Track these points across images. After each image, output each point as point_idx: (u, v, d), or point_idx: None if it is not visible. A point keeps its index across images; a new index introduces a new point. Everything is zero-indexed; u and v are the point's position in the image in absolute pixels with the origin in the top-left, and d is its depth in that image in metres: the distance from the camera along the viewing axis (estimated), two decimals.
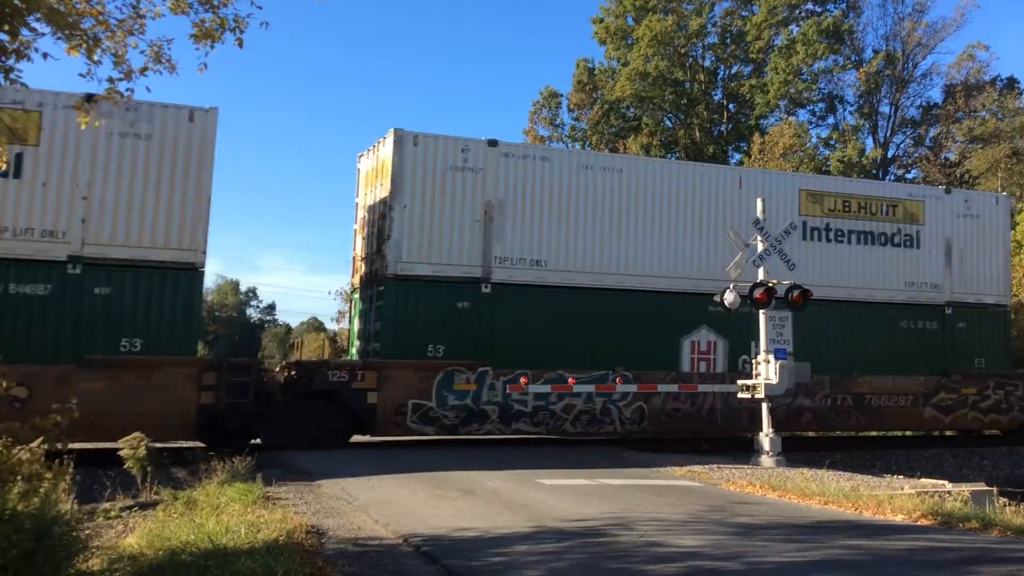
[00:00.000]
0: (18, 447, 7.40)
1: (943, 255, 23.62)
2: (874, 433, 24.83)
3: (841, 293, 22.33)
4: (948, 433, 24.50)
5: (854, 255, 22.75)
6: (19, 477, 7.24)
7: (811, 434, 23.13)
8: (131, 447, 13.58)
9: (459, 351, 18.99)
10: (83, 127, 8.76)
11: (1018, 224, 34.90)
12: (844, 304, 22.29)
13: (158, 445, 14.51)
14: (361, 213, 21.92)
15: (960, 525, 10.43)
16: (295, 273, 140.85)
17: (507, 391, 18.95)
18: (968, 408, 23.22)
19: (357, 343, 21.57)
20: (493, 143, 19.57)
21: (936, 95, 50.27)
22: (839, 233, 22.69)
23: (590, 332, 19.98)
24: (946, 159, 46.91)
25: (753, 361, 17.60)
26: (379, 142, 20.83)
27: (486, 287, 19.32)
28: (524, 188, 19.87)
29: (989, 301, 24.02)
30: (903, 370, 22.62)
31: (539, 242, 19.84)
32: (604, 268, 20.36)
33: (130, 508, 11.14)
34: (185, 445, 16.47)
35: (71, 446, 8.66)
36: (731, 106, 50.06)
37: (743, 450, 17.77)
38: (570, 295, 19.91)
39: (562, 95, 49.69)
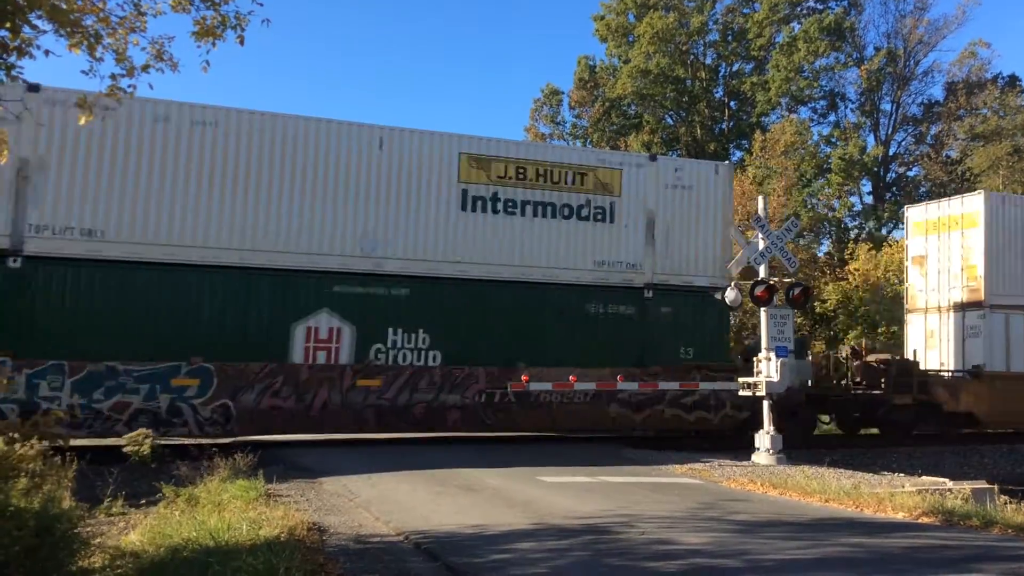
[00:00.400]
0: (20, 444, 7.41)
1: (643, 231, 20.51)
2: (874, 432, 24.78)
3: (508, 272, 19.34)
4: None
5: (528, 229, 19.64)
6: (22, 474, 7.25)
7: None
8: (134, 443, 13.60)
9: None
10: (82, 123, 8.74)
11: None
12: (512, 285, 19.37)
13: (161, 441, 14.53)
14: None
15: (961, 523, 10.43)
16: None
17: (509, 388, 18.90)
18: (665, 405, 20.04)
19: None
20: (35, 88, 15.77)
21: (937, 93, 50.40)
22: (510, 204, 19.52)
23: (163, 317, 16.76)
24: (947, 157, 46.89)
25: (755, 358, 17.58)
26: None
27: (15, 261, 15.94)
28: (76, 143, 16.39)
29: (702, 284, 20.85)
30: (589, 361, 19.39)
31: (95, 209, 16.47)
32: (186, 240, 16.99)
33: (132, 505, 11.15)
34: (189, 441, 16.48)
35: (73, 443, 8.66)
36: (732, 104, 50.05)
37: (744, 448, 17.77)
38: (136, 272, 16.61)
39: (563, 93, 49.74)
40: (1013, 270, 23.93)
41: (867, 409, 23.22)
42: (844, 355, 24.79)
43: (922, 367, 24.24)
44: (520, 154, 19.93)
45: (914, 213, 26.67)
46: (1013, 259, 24.09)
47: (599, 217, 20.26)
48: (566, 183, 20.10)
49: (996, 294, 23.65)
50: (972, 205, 24.49)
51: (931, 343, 25.26)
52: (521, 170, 19.72)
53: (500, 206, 19.50)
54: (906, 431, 23.08)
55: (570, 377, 18.71)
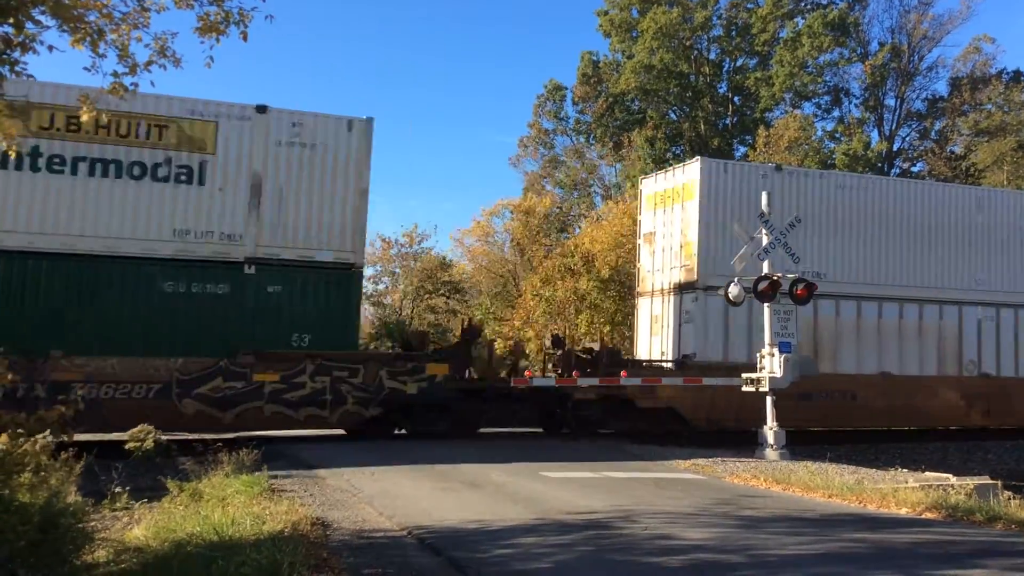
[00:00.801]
0: (24, 439, 7.43)
1: (246, 195, 17.63)
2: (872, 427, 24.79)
3: (25, 242, 16.32)
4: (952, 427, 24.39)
5: (82, 191, 16.74)
6: (27, 469, 7.27)
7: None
8: (138, 439, 13.62)
9: None
10: (84, 119, 8.73)
11: None
12: (58, 258, 16.47)
13: (166, 437, 14.54)
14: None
15: (965, 518, 10.43)
16: None
17: (512, 384, 18.91)
18: (265, 400, 17.17)
19: None
20: None
21: (942, 88, 50.12)
22: (57, 161, 16.56)
23: None
24: (952, 152, 46.79)
25: (758, 354, 17.56)
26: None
27: None
28: None
29: (326, 259, 18.08)
30: (161, 348, 16.70)
31: None
32: None
33: (136, 499, 11.17)
34: (193, 437, 16.50)
35: (77, 438, 8.67)
36: (736, 99, 49.94)
37: (747, 443, 17.77)
38: None
39: (566, 88, 49.67)
40: (732, 247, 19.88)
41: (550, 404, 20.14)
42: (547, 344, 22.82)
43: (646, 356, 22.47)
44: (69, 100, 15.83)
45: (647, 185, 24.10)
46: (731, 235, 20.45)
47: (184, 178, 17.37)
48: (138, 136, 17.10)
49: (711, 274, 20.83)
50: (691, 174, 21.88)
51: (655, 329, 22.71)
52: (73, 120, 16.30)
53: (47, 163, 16.53)
54: (591, 428, 19.95)
55: (574, 373, 18.74)
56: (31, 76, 8.19)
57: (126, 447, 13.85)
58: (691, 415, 20.17)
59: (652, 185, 23.72)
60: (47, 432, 7.70)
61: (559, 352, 21.21)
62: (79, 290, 16.56)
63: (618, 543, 8.61)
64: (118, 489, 10.79)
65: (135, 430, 13.76)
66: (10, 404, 15.72)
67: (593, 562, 7.88)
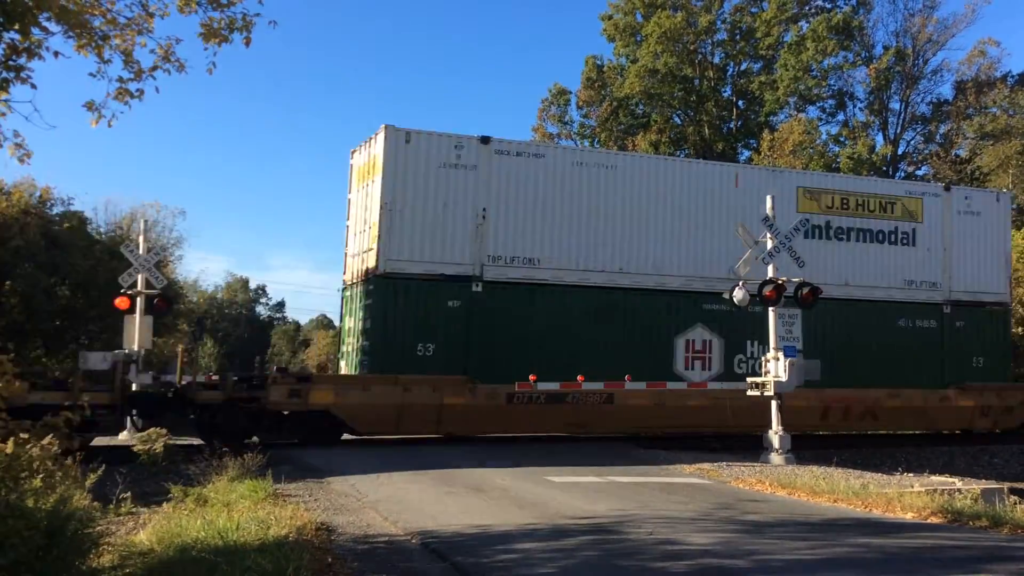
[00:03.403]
0: (31, 444, 7.45)
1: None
2: (883, 431, 24.75)
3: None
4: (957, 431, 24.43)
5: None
6: (37, 475, 7.28)
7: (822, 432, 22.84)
8: (144, 443, 13.65)
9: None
10: (94, 126, 8.76)
11: None
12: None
13: (172, 441, 14.58)
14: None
15: (970, 523, 10.40)
16: (303, 271, 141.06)
17: (516, 388, 18.93)
18: None
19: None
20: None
21: (946, 91, 49.99)
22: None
23: None
24: (957, 156, 46.69)
25: (763, 358, 17.55)
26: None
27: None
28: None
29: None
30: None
31: None
32: None
33: (142, 504, 11.18)
34: (198, 441, 16.52)
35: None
36: (740, 103, 49.94)
37: (753, 448, 17.74)
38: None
39: (571, 92, 49.72)
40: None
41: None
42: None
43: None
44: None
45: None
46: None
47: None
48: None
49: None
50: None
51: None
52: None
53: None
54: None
55: (579, 377, 18.77)
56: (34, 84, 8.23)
57: (133, 449, 13.89)
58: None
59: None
60: (52, 437, 7.72)
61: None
62: None
63: (623, 548, 8.60)
64: (124, 495, 10.81)
65: (143, 434, 13.80)
66: None
67: (598, 567, 7.86)
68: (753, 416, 18.94)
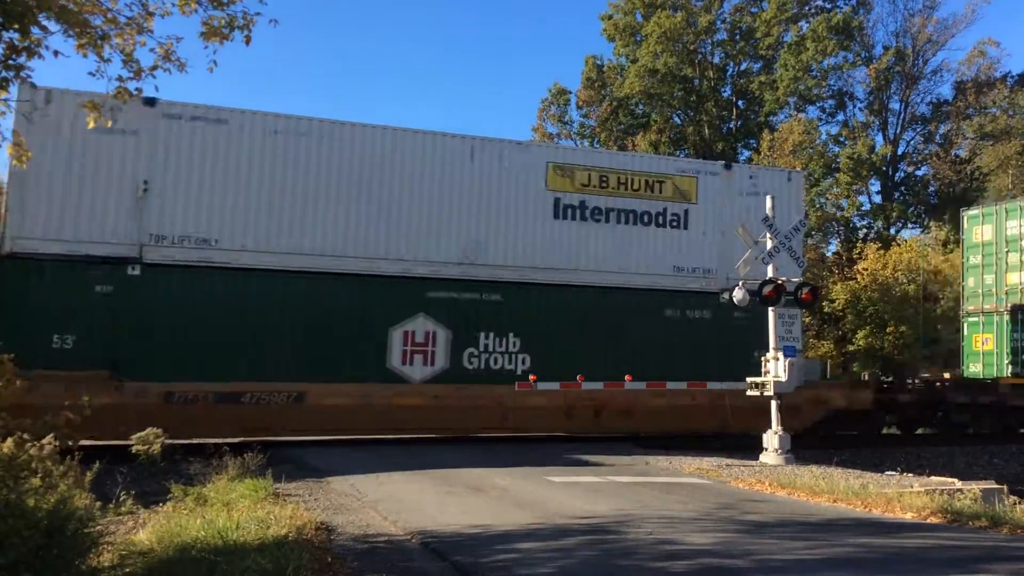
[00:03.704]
0: (30, 444, 7.45)
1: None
2: (886, 431, 24.79)
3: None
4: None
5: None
6: (36, 474, 7.28)
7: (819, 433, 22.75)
8: (144, 443, 13.61)
9: None
10: (91, 126, 8.76)
11: None
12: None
13: (173, 441, 14.54)
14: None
15: (970, 523, 10.40)
16: None
17: (516, 388, 18.92)
18: None
19: None
20: None
21: (946, 92, 50.00)
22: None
23: None
24: (956, 156, 46.71)
25: (762, 359, 17.56)
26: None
27: None
28: None
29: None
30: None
31: None
32: None
33: (141, 504, 11.18)
34: (198, 441, 16.50)
35: (83, 443, 8.69)
36: (740, 103, 49.93)
37: (753, 448, 17.75)
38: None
39: (571, 92, 49.71)
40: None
41: None
42: None
43: None
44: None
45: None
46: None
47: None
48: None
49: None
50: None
51: None
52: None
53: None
54: None
55: (579, 377, 18.77)
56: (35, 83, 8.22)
57: (132, 449, 13.86)
58: None
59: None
60: (52, 436, 7.72)
61: None
62: None
63: (623, 548, 8.60)
64: (124, 494, 10.80)
65: (142, 434, 13.76)
66: None
67: (597, 567, 7.86)
68: (491, 418, 18.79)
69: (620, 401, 19.81)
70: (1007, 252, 25.42)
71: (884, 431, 25.01)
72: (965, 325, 26.34)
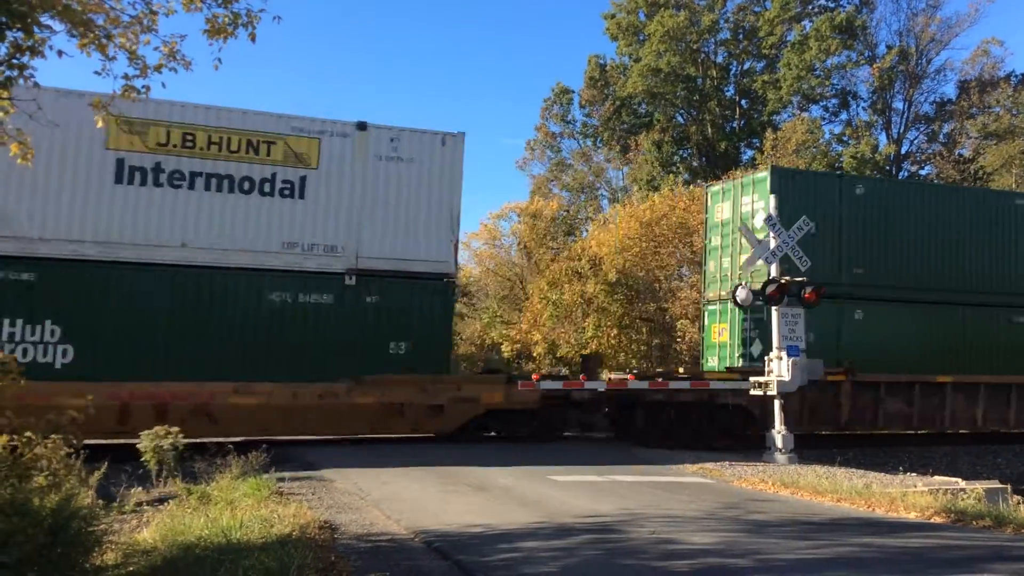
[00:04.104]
0: (36, 443, 7.46)
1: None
2: (886, 431, 24.75)
3: None
4: (962, 431, 24.15)
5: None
6: (43, 472, 7.30)
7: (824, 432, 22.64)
8: (148, 441, 13.63)
9: None
10: (99, 125, 8.77)
11: None
12: None
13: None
14: None
15: (973, 523, 10.39)
16: None
17: (519, 387, 18.92)
18: None
19: None
20: None
21: (950, 91, 50.07)
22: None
23: None
24: (960, 155, 46.65)
25: (766, 357, 17.54)
26: None
27: None
28: None
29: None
30: None
31: None
32: None
33: (145, 502, 11.19)
34: (205, 440, 16.52)
35: (87, 441, 8.70)
36: (743, 102, 49.89)
37: (755, 448, 17.74)
38: None
39: (573, 92, 49.67)
40: None
41: None
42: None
43: None
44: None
45: None
46: None
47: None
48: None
49: None
50: None
51: None
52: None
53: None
54: None
55: (581, 377, 18.72)
56: (37, 83, 8.22)
57: (138, 446, 13.89)
58: None
59: None
60: (56, 435, 7.73)
61: None
62: None
63: (625, 547, 8.60)
64: (128, 491, 10.82)
65: (149, 432, 13.79)
66: None
67: (600, 566, 7.87)
68: None
69: (193, 400, 16.80)
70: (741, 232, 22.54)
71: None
72: (705, 314, 23.62)
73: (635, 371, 24.16)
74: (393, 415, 18.17)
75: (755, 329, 21.33)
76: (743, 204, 22.13)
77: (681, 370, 24.02)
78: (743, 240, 20.20)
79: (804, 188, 21.60)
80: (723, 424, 20.22)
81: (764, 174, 21.87)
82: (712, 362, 22.63)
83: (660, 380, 20.25)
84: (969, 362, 22.30)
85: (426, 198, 19.29)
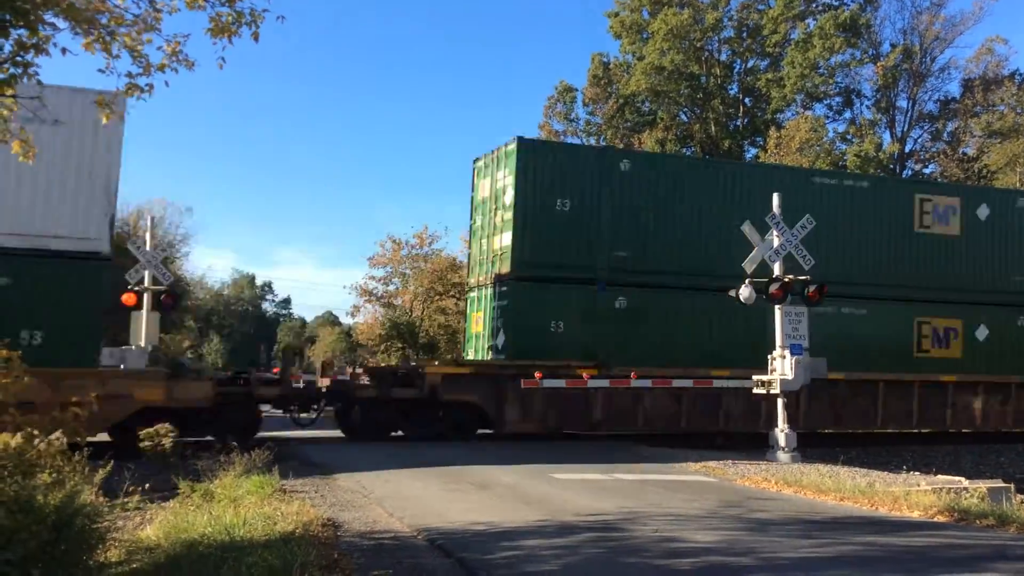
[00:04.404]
0: (40, 440, 7.47)
1: None
2: (891, 430, 24.74)
3: None
4: (964, 430, 24.12)
5: None
6: (45, 470, 7.31)
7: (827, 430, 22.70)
8: (152, 439, 13.66)
9: None
10: (105, 121, 8.77)
11: None
12: None
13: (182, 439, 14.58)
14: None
15: (977, 522, 10.37)
16: (307, 267, 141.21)
17: (522, 386, 18.90)
18: None
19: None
20: None
21: (954, 89, 49.95)
22: None
23: None
24: (964, 154, 46.58)
25: (769, 356, 17.51)
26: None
27: None
28: None
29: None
30: None
31: None
32: None
33: (149, 500, 11.20)
34: (208, 438, 16.55)
35: (90, 439, 8.71)
36: (747, 100, 49.85)
37: (759, 446, 17.73)
38: None
39: (577, 90, 49.65)
40: None
41: None
42: None
43: None
44: None
45: None
46: None
47: None
48: None
49: None
50: None
51: None
52: None
53: None
54: None
55: (584, 375, 18.74)
56: (40, 81, 8.23)
57: (140, 445, 13.92)
58: None
59: None
60: (60, 433, 7.75)
61: None
62: None
63: (628, 545, 8.60)
64: (131, 489, 10.83)
65: (150, 430, 13.81)
66: None
67: (603, 564, 7.87)
68: None
69: None
70: (495, 209, 20.80)
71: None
72: (467, 302, 22.45)
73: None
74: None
75: (500, 319, 19.95)
76: (497, 179, 20.55)
77: (437, 362, 22.87)
78: (503, 218, 19.39)
79: (555, 162, 19.94)
80: (454, 421, 19.17)
81: (513, 147, 20.06)
82: (471, 354, 21.54)
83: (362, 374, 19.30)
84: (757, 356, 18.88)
85: (75, 167, 16.66)
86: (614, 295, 19.66)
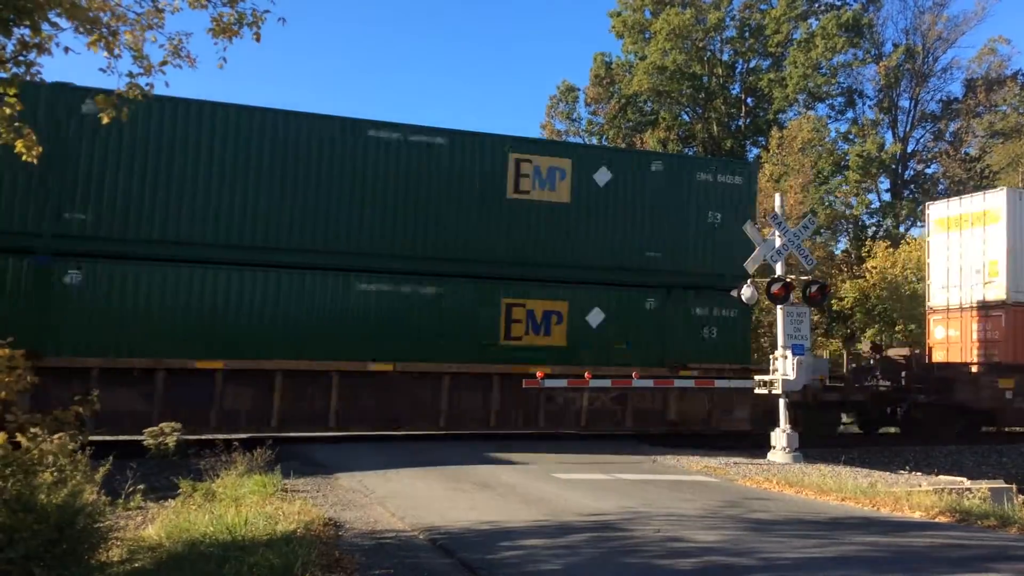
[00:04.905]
0: (43, 439, 7.49)
1: None
2: (892, 429, 24.70)
3: None
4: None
5: None
6: (48, 469, 7.33)
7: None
8: (154, 437, 13.70)
9: None
10: (105, 121, 8.79)
11: None
12: None
13: (185, 436, 14.60)
14: None
15: (978, 522, 10.37)
16: None
17: (523, 385, 18.83)
18: None
19: None
20: None
21: (956, 89, 49.93)
22: None
23: None
24: (966, 154, 46.54)
25: (771, 356, 17.50)
26: None
27: None
28: None
29: None
30: None
31: None
32: None
33: (151, 499, 11.22)
34: (210, 436, 16.55)
35: (92, 438, 8.73)
36: (749, 100, 49.82)
37: (760, 446, 17.72)
38: None
39: (579, 89, 49.65)
40: None
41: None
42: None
43: None
44: None
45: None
46: None
47: None
48: None
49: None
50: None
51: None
52: None
53: None
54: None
55: (585, 374, 18.71)
56: (43, 80, 8.26)
57: (144, 443, 13.95)
58: None
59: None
60: (63, 431, 7.76)
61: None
62: None
63: (629, 545, 8.61)
64: (133, 488, 10.85)
65: (154, 428, 13.85)
66: None
67: (604, 564, 7.87)
68: None
69: None
70: None
71: None
72: None
73: None
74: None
75: None
76: None
77: None
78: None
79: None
80: None
81: None
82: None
83: None
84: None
85: None
86: (63, 268, 15.99)
